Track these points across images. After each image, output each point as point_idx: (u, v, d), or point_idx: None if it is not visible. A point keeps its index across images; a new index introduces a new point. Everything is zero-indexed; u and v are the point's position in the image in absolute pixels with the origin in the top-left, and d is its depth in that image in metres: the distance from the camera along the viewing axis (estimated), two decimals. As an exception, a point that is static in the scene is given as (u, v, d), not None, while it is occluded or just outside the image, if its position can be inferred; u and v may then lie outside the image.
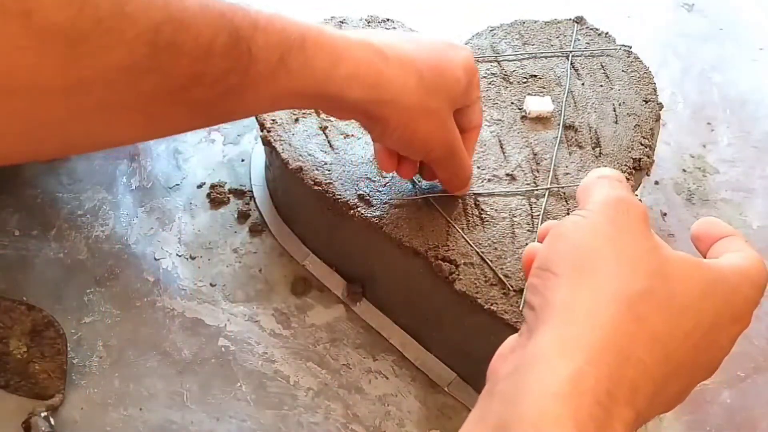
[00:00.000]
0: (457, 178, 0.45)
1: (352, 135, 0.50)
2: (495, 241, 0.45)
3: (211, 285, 0.53)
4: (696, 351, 0.28)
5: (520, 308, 0.42)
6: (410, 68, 0.39)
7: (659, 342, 0.26)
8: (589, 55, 0.56)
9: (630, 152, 0.50)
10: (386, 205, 0.46)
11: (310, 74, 0.35)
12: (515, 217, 0.46)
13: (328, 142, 0.50)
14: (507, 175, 0.49)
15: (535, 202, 0.47)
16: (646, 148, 0.51)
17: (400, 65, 0.38)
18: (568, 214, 0.46)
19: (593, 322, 0.25)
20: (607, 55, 0.56)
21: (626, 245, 0.28)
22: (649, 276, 0.27)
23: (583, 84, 0.54)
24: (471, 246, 0.45)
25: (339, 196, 0.47)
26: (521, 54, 0.56)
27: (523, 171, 0.49)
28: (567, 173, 0.49)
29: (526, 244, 0.45)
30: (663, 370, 0.26)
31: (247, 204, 0.57)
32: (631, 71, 0.55)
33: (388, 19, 0.58)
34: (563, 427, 0.23)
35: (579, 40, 0.57)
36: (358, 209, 0.46)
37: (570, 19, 0.58)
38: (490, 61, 0.55)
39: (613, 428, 0.24)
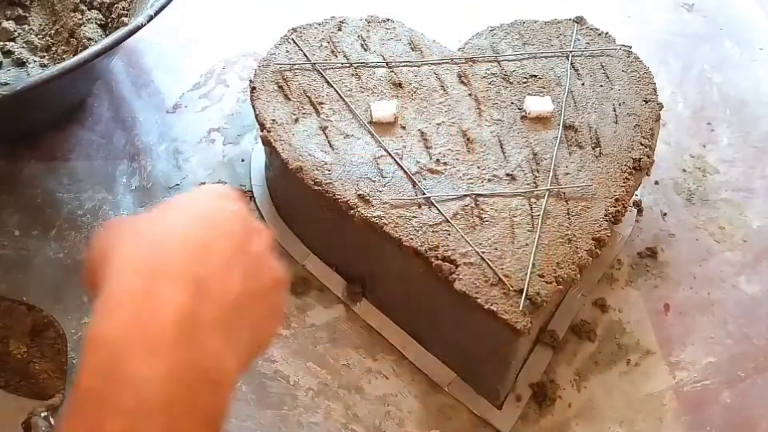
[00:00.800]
0: None
1: (352, 135, 0.50)
2: (495, 241, 0.45)
3: (211, 285, 0.53)
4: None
5: (521, 308, 0.42)
6: None
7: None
8: (589, 55, 0.56)
9: (630, 152, 0.50)
10: (386, 205, 0.46)
11: None
12: (515, 217, 0.46)
13: (328, 142, 0.50)
14: (507, 175, 0.49)
15: (535, 202, 0.47)
16: (646, 148, 0.51)
17: None
18: (567, 214, 0.46)
19: None
20: (607, 55, 0.56)
21: None
22: None
23: (583, 84, 0.54)
24: (471, 246, 0.45)
25: (339, 196, 0.47)
26: (521, 54, 0.56)
27: (523, 171, 0.49)
28: (567, 173, 0.49)
29: (527, 244, 0.45)
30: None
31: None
32: (631, 71, 0.55)
33: (388, 19, 0.58)
34: None
35: (579, 40, 0.57)
36: (358, 209, 0.46)
37: (570, 19, 0.58)
38: (490, 61, 0.55)
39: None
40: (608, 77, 0.55)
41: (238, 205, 0.30)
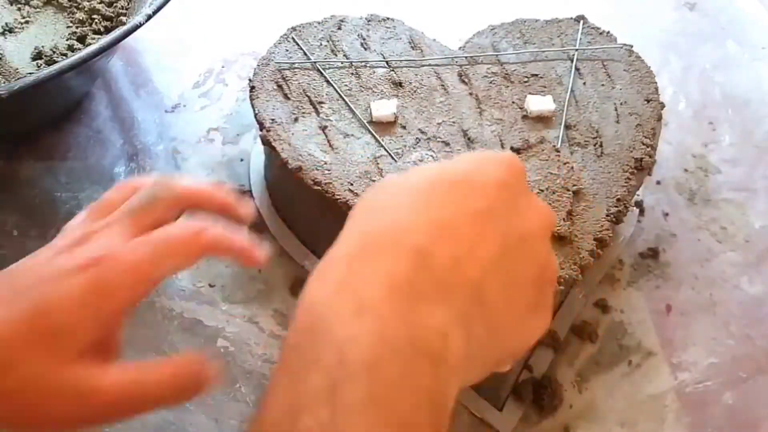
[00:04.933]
0: None
1: (352, 135, 0.50)
2: (496, 241, 0.45)
3: (210, 286, 0.53)
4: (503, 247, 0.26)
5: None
6: None
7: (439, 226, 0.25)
8: (590, 54, 0.56)
9: (632, 152, 0.50)
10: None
11: None
12: (516, 217, 0.46)
13: (328, 141, 0.49)
14: (508, 174, 0.48)
15: (536, 202, 0.47)
16: (647, 147, 0.50)
17: None
18: (569, 213, 0.46)
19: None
20: (609, 54, 0.56)
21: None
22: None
23: (584, 83, 0.54)
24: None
25: (339, 196, 0.46)
26: (522, 53, 0.55)
27: (524, 171, 0.48)
28: (568, 173, 0.48)
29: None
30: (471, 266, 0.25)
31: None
32: (633, 70, 0.55)
33: (388, 18, 0.58)
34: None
35: (580, 39, 0.56)
36: (358, 209, 0.46)
37: (571, 18, 0.58)
38: (492, 61, 0.55)
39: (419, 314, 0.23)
40: (609, 76, 0.54)
41: (509, 174, 0.27)
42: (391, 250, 0.24)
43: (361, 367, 0.22)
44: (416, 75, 0.54)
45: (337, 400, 0.21)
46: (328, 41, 0.55)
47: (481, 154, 0.28)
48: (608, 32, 0.57)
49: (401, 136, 0.50)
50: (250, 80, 0.53)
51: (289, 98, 0.52)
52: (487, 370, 0.28)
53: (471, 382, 0.27)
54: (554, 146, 0.49)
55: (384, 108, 0.51)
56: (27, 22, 0.64)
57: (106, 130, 0.62)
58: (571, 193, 0.46)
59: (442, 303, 0.24)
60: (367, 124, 0.51)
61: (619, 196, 0.47)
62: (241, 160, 0.60)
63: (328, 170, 0.48)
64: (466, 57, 0.55)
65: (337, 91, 0.52)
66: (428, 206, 0.26)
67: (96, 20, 0.63)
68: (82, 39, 0.62)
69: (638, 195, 0.58)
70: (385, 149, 0.49)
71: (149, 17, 0.52)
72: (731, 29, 0.74)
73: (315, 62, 0.54)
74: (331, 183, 0.47)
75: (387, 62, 0.54)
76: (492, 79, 0.54)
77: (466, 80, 0.54)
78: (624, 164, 0.49)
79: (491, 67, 0.55)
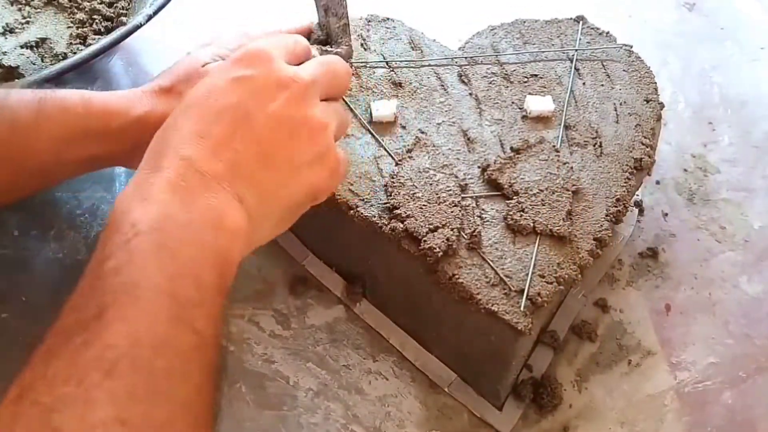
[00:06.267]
0: None
1: (352, 135, 0.50)
2: (496, 241, 0.45)
3: (211, 285, 0.53)
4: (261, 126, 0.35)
5: (522, 308, 0.42)
6: None
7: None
8: (590, 55, 0.56)
9: (631, 152, 0.50)
10: (386, 204, 0.46)
11: None
12: (516, 217, 0.46)
13: (328, 141, 0.50)
14: (507, 174, 0.48)
15: (535, 202, 0.47)
16: (647, 147, 0.50)
17: None
18: (569, 213, 0.46)
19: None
20: (608, 55, 0.56)
21: None
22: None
23: (584, 83, 0.54)
24: (472, 246, 0.44)
25: (339, 196, 0.47)
26: (522, 53, 0.55)
27: (523, 171, 0.49)
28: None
29: (528, 244, 0.45)
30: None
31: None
32: (632, 71, 0.55)
33: (388, 18, 0.58)
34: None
35: (580, 39, 0.57)
36: (358, 209, 0.46)
37: (571, 19, 0.58)
38: (491, 62, 0.55)
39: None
40: (609, 77, 0.54)
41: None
42: (169, 162, 0.33)
43: (150, 228, 0.30)
44: (416, 75, 0.54)
45: (132, 248, 0.29)
46: (328, 41, 0.55)
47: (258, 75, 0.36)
48: (608, 32, 0.57)
49: (401, 136, 0.50)
50: (250, 80, 0.53)
51: (289, 98, 0.52)
52: (277, 227, 0.37)
53: (265, 238, 0.37)
54: (554, 146, 0.49)
55: (384, 108, 0.51)
56: (28, 22, 0.64)
57: (107, 130, 0.62)
58: (570, 193, 0.46)
59: (210, 192, 0.32)
60: (367, 124, 0.51)
61: (618, 196, 0.48)
62: (242, 160, 0.60)
63: (329, 170, 0.48)
64: (465, 57, 0.55)
65: (337, 92, 0.52)
66: (197, 122, 0.34)
67: (96, 20, 0.63)
68: (82, 39, 0.62)
69: (637, 195, 0.58)
70: (385, 149, 0.49)
71: (150, 17, 0.52)
72: (730, 30, 0.74)
73: (315, 62, 0.54)
74: (331, 183, 0.47)
75: (387, 62, 0.54)
76: (492, 79, 0.54)
77: (466, 80, 0.54)
78: (623, 164, 0.49)
79: (491, 67, 0.55)
